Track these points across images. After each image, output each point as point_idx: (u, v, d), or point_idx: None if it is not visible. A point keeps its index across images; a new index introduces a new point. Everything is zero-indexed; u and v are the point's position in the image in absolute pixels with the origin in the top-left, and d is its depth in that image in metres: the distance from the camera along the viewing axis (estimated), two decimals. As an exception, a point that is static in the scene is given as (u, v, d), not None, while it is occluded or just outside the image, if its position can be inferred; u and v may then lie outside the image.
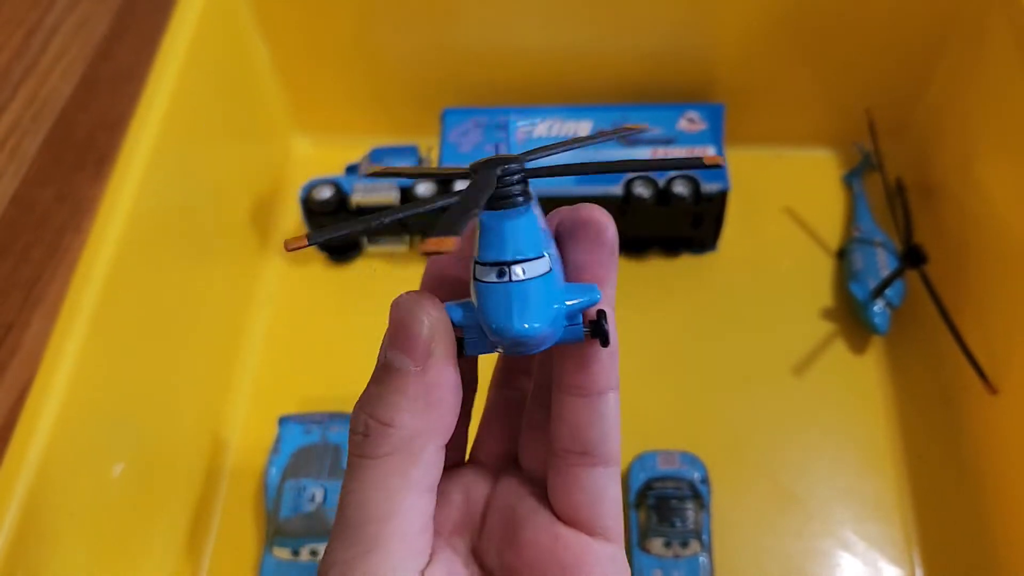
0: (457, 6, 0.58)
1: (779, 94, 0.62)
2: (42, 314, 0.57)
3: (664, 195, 0.55)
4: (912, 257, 0.54)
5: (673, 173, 0.55)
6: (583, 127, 0.58)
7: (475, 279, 0.22)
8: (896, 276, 0.53)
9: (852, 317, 0.56)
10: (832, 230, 0.60)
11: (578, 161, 0.24)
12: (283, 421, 0.51)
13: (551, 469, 0.25)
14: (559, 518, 0.25)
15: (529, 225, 0.22)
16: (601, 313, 0.23)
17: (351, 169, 0.60)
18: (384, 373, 0.23)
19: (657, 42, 0.59)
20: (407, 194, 0.57)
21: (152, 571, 0.46)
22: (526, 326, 0.22)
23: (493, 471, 0.28)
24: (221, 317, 0.56)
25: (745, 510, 0.49)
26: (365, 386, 0.24)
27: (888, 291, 0.53)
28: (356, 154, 0.61)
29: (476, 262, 0.22)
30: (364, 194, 0.57)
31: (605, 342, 0.23)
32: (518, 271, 0.22)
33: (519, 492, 0.26)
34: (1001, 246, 0.50)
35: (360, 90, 0.64)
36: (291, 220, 0.63)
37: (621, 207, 0.55)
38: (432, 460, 0.23)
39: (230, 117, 0.58)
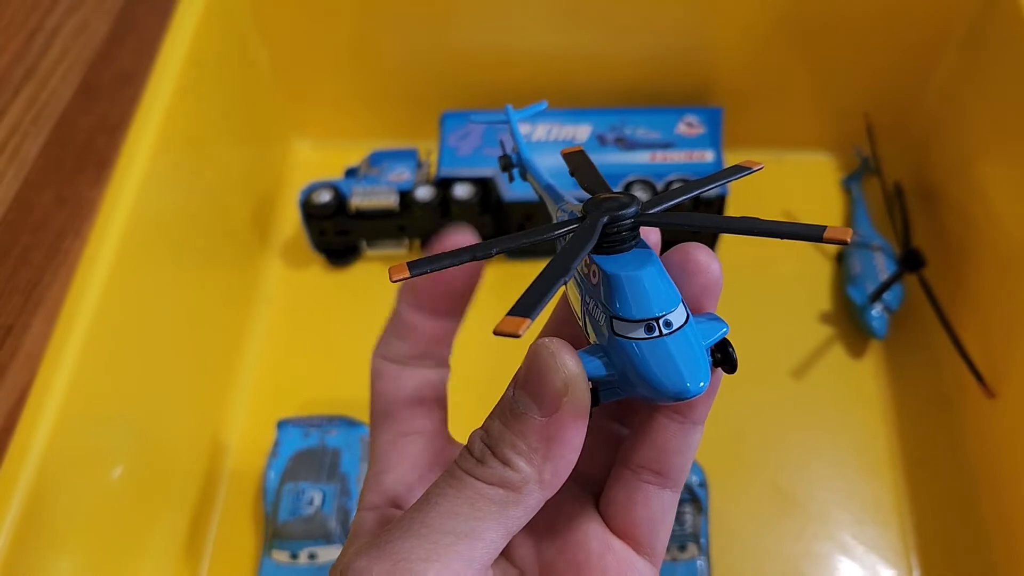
0: (455, 9, 0.58)
1: (778, 98, 0.62)
2: (42, 317, 0.57)
3: (663, 199, 0.55)
4: (910, 261, 0.54)
5: (671, 176, 0.56)
6: (582, 131, 0.58)
7: (615, 334, 0.21)
8: (894, 280, 0.53)
9: (850, 321, 0.56)
10: (830, 234, 0.60)
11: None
12: (282, 424, 0.51)
13: (616, 480, 0.25)
14: (611, 528, 0.25)
15: (661, 272, 0.22)
16: (726, 342, 0.23)
17: (350, 172, 0.60)
18: (510, 412, 0.22)
19: (656, 46, 0.59)
20: (406, 199, 0.57)
21: (151, 574, 0.46)
22: (700, 384, 0.21)
23: None
24: (220, 320, 0.56)
25: (743, 514, 0.49)
26: (493, 412, 0.23)
27: (886, 295, 0.53)
28: (355, 157, 0.61)
29: (615, 317, 0.21)
30: (363, 198, 0.57)
31: (734, 368, 0.23)
32: (666, 324, 0.21)
33: (565, 490, 0.26)
34: (999, 250, 0.50)
35: (359, 93, 0.64)
36: (290, 223, 0.63)
37: (620, 211, 0.55)
38: (532, 507, 0.23)
39: (230, 120, 0.58)
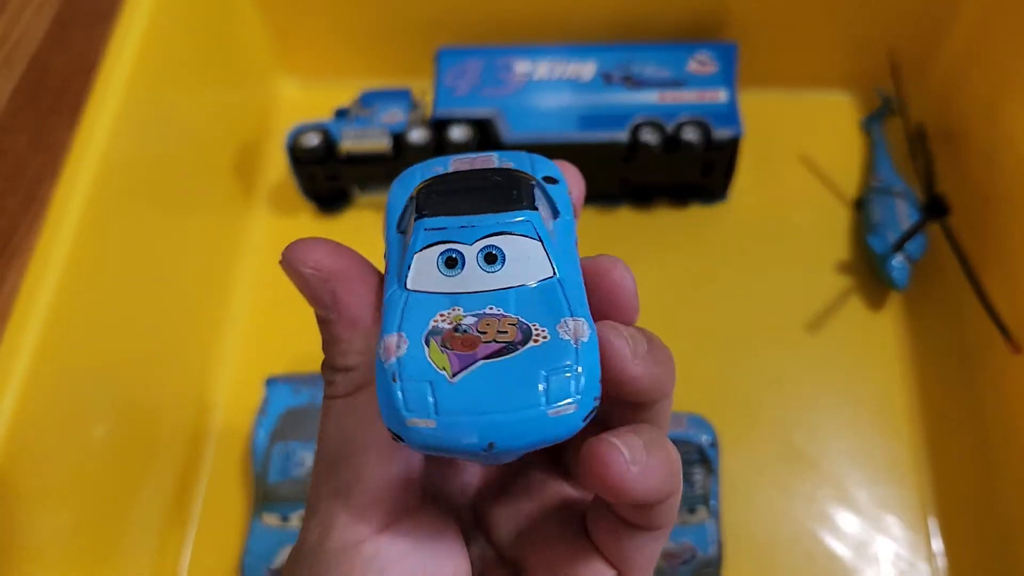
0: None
1: (795, 32, 0.58)
2: (17, 269, 0.54)
3: (673, 141, 0.52)
4: (934, 208, 0.51)
5: (682, 117, 0.52)
6: (587, 68, 0.54)
7: None
8: (917, 229, 0.50)
9: (869, 271, 0.53)
10: (850, 179, 0.57)
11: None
12: (270, 383, 0.48)
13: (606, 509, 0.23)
14: (594, 544, 0.23)
15: None
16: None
17: (340, 114, 0.56)
18: (319, 325, 0.25)
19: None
20: (399, 140, 0.54)
21: (137, 535, 0.44)
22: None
23: None
24: (205, 271, 0.53)
25: (755, 473, 0.47)
26: None
27: (908, 244, 0.50)
28: (345, 97, 0.58)
29: None
30: (354, 141, 0.53)
31: None
32: None
33: (553, 493, 0.25)
34: (1028, 196, 0.47)
35: (350, 28, 0.60)
36: (278, 168, 0.59)
37: (627, 154, 0.52)
38: None
39: (210, 57, 0.54)
